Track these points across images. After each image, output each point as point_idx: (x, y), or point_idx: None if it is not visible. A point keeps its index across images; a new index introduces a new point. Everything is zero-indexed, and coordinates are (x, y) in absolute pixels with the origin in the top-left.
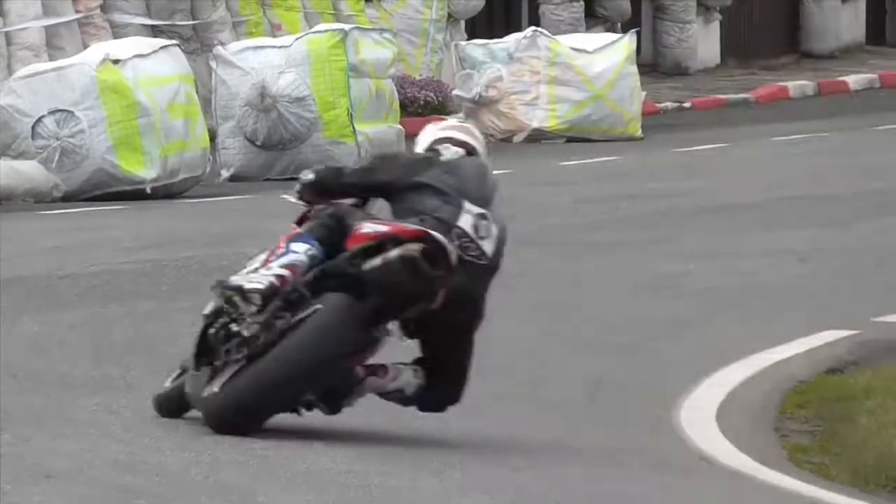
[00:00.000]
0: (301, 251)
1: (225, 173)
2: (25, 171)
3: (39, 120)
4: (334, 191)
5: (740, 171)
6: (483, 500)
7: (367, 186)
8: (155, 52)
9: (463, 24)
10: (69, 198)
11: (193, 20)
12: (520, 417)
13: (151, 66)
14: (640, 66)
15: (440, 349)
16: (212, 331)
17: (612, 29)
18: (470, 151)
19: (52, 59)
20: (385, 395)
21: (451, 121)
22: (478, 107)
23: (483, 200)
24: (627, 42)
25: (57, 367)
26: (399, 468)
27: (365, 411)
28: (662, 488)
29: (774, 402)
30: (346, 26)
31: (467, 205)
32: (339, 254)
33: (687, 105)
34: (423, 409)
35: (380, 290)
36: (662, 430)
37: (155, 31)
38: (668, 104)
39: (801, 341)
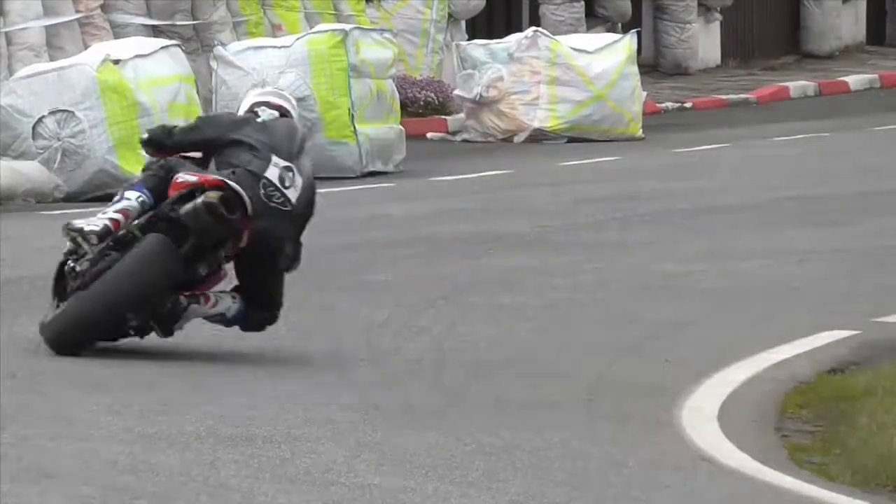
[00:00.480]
0: (133, 198)
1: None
2: (26, 172)
3: (40, 120)
4: (168, 147)
5: (741, 172)
6: (483, 499)
7: (192, 142)
8: (155, 52)
9: (463, 24)
10: (70, 198)
11: (194, 20)
12: (520, 417)
13: (152, 67)
14: (640, 66)
15: (254, 280)
16: (66, 268)
17: (612, 29)
18: (283, 114)
19: (52, 59)
20: (209, 318)
21: (269, 87)
22: (478, 107)
23: (290, 155)
24: (628, 42)
25: (57, 366)
26: (399, 468)
27: (365, 411)
28: (663, 488)
29: (775, 403)
30: (347, 26)
31: (275, 158)
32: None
33: (688, 105)
34: (244, 329)
35: (192, 231)
36: (663, 430)
37: (155, 32)
38: (669, 104)
39: (802, 341)
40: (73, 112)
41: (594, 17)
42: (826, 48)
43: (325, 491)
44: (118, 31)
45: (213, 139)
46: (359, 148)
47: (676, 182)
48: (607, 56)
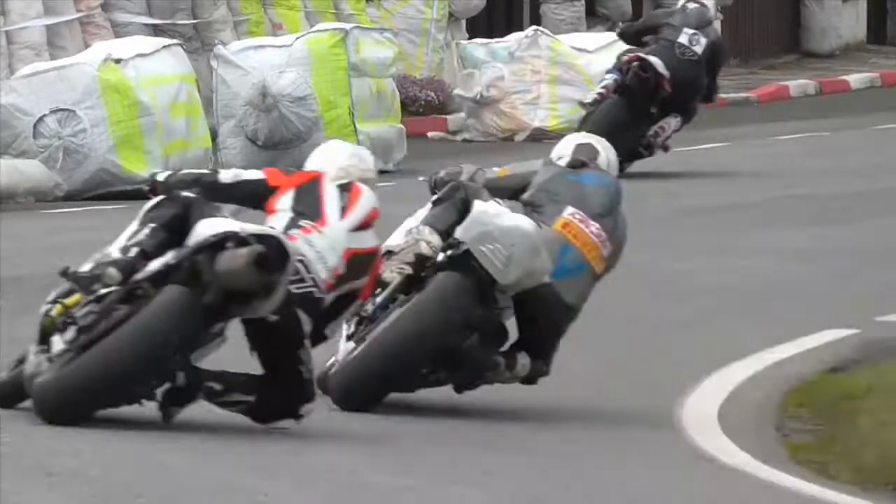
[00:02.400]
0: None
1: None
2: (27, 171)
3: (41, 119)
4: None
5: (741, 171)
6: (483, 498)
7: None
8: (156, 51)
9: (464, 23)
10: (71, 197)
11: (195, 19)
12: (520, 417)
13: (153, 66)
14: None
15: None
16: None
17: (613, 28)
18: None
19: (53, 58)
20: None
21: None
22: (479, 106)
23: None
24: None
25: None
26: (400, 467)
27: (364, 413)
28: (664, 487)
29: (776, 402)
30: (347, 25)
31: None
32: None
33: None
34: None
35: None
36: (664, 429)
37: (156, 31)
38: None
39: (803, 340)
40: (74, 111)
41: (595, 16)
42: (827, 47)
43: (326, 490)
44: (119, 31)
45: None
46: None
47: (677, 181)
48: (608, 55)
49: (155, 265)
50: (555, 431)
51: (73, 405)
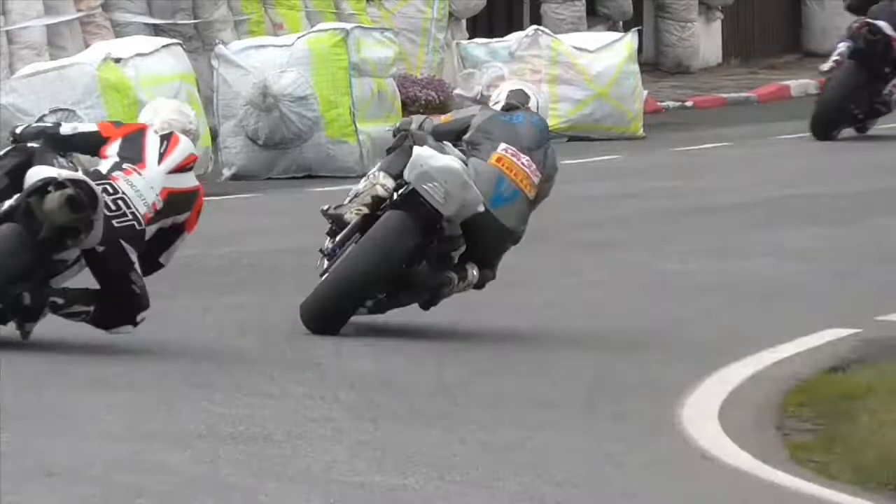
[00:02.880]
0: None
1: (226, 172)
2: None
3: (41, 119)
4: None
5: (742, 171)
6: (483, 498)
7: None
8: (156, 50)
9: (464, 22)
10: None
11: (195, 19)
12: (520, 417)
13: (153, 65)
14: (641, 64)
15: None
16: None
17: (613, 28)
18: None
19: (53, 58)
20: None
21: None
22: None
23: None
24: (629, 41)
25: (57, 365)
26: (400, 467)
27: (366, 410)
28: (664, 487)
29: (776, 401)
30: (348, 25)
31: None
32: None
33: (688, 104)
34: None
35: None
36: (664, 429)
37: (156, 30)
38: (670, 103)
39: (803, 340)
40: (73, 111)
41: (595, 15)
42: (828, 47)
43: (326, 489)
44: (119, 30)
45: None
46: (360, 147)
47: (677, 181)
48: (608, 55)
49: (3, 207)
50: (554, 431)
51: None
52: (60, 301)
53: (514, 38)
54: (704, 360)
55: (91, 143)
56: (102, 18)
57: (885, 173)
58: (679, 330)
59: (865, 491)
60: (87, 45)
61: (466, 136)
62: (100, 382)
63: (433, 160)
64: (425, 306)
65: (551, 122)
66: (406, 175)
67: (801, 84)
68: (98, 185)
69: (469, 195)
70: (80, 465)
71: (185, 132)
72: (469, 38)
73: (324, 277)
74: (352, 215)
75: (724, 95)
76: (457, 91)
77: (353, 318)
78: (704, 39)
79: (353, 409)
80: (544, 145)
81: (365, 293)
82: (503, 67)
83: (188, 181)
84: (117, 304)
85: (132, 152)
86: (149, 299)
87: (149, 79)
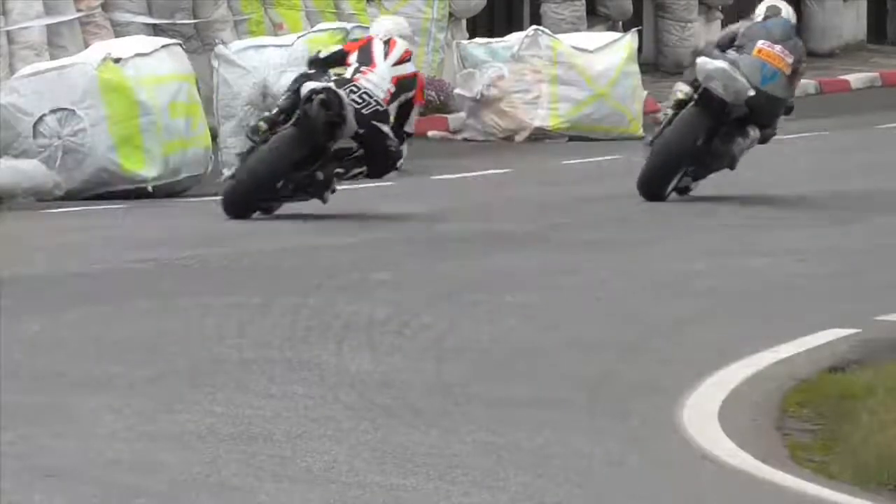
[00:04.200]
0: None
1: (226, 172)
2: (26, 170)
3: (41, 119)
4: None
5: (741, 170)
6: (484, 499)
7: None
8: (156, 50)
9: (464, 22)
10: (70, 196)
11: (195, 19)
12: (520, 416)
13: (153, 65)
14: (641, 64)
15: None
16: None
17: (613, 28)
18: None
19: (53, 58)
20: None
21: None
22: (479, 106)
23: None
24: (629, 41)
25: (57, 365)
26: (400, 467)
27: (366, 410)
28: (664, 487)
29: (776, 401)
30: (348, 25)
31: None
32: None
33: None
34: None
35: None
36: (664, 429)
37: (156, 30)
38: None
39: (803, 340)
40: (73, 111)
41: (595, 15)
42: (827, 46)
43: (326, 489)
44: (119, 30)
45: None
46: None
47: None
48: (608, 55)
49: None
50: (554, 431)
51: (243, 192)
52: (342, 171)
53: (514, 38)
54: (704, 360)
55: (340, 58)
56: (102, 18)
57: (885, 173)
58: (679, 330)
59: (865, 491)
60: (86, 45)
61: (736, 42)
62: (100, 382)
63: (709, 65)
64: (731, 167)
65: (551, 122)
66: (699, 79)
67: (801, 84)
68: (344, 88)
69: (738, 85)
70: (80, 465)
71: (402, 37)
72: (469, 38)
73: (652, 150)
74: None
75: None
76: (457, 91)
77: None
78: (704, 39)
79: (353, 409)
80: (792, 38)
81: (678, 165)
82: (503, 67)
83: (408, 69)
84: (381, 161)
85: (365, 58)
86: (402, 154)
87: (149, 79)
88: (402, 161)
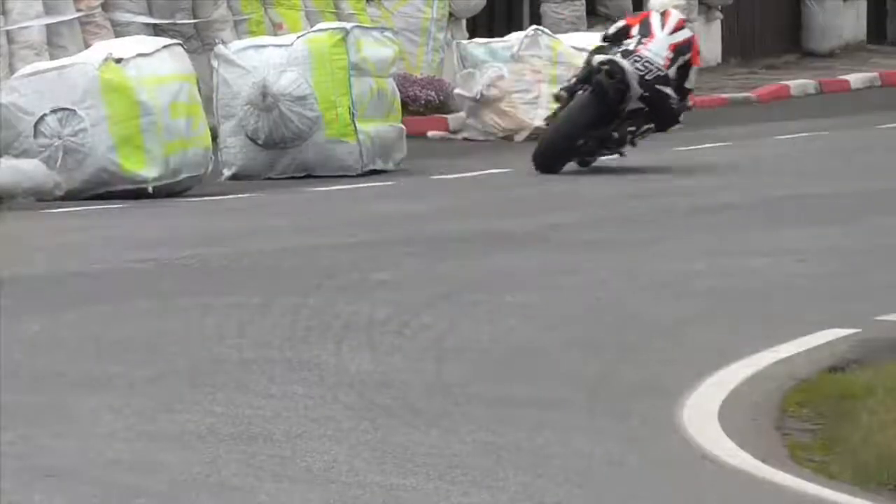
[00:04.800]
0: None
1: (227, 172)
2: (27, 170)
3: (41, 119)
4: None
5: (741, 170)
6: (484, 499)
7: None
8: (157, 50)
9: (464, 22)
10: (71, 196)
11: (195, 19)
12: (520, 416)
13: (153, 65)
14: None
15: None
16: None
17: None
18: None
19: (53, 57)
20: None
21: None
22: (479, 105)
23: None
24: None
25: (57, 365)
26: (400, 467)
27: (366, 410)
28: (664, 487)
29: (776, 401)
30: (348, 25)
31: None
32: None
33: (688, 104)
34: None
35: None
36: (664, 429)
37: (156, 30)
38: None
39: (802, 340)
40: (74, 111)
41: (595, 15)
42: (827, 47)
43: (326, 489)
44: (119, 30)
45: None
46: (359, 146)
47: (677, 180)
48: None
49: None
50: (554, 431)
51: (547, 151)
52: (634, 128)
53: (513, 38)
54: (704, 360)
55: (624, 33)
56: (102, 18)
57: (885, 173)
58: (679, 330)
59: (865, 491)
60: (86, 45)
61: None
62: (100, 382)
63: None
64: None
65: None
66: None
67: (801, 84)
68: (628, 59)
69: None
70: (80, 465)
71: (676, 7)
72: (469, 38)
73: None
74: None
75: (724, 95)
76: (457, 91)
77: None
78: (704, 39)
79: (353, 409)
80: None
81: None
82: (503, 67)
83: (684, 35)
84: (666, 118)
85: (645, 30)
86: (685, 108)
87: (149, 79)
88: (683, 115)
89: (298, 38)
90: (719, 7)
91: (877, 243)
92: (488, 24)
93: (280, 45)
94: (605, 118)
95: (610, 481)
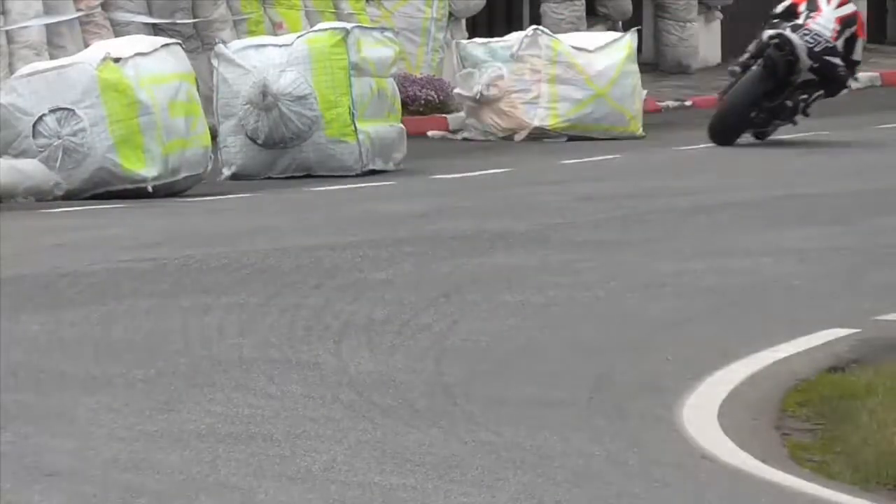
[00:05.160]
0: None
1: (226, 172)
2: (26, 170)
3: (40, 118)
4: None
5: (740, 170)
6: (484, 499)
7: None
8: (156, 50)
9: (464, 22)
10: (70, 196)
11: (194, 18)
12: (520, 416)
13: (152, 65)
14: (641, 64)
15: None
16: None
17: (613, 27)
18: None
19: (53, 57)
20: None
21: None
22: (479, 105)
23: None
24: (628, 40)
25: (57, 365)
26: (399, 467)
27: (366, 409)
28: (663, 486)
29: (775, 401)
30: (348, 25)
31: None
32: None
33: (688, 104)
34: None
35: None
36: (663, 429)
37: (156, 30)
38: (670, 103)
39: (802, 340)
40: (73, 110)
41: (595, 15)
42: None
43: (326, 489)
44: (119, 30)
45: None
46: (359, 146)
47: (677, 180)
48: (608, 54)
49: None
50: (554, 430)
51: (723, 120)
52: (806, 97)
53: (513, 38)
54: (703, 359)
55: (792, 10)
56: (102, 18)
57: (885, 173)
58: (679, 330)
59: (865, 491)
60: (86, 45)
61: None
62: (100, 382)
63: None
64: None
65: (550, 122)
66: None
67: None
68: (797, 32)
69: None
70: (81, 464)
71: None
72: (469, 38)
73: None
74: None
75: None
76: (456, 90)
77: None
78: (704, 39)
79: (353, 408)
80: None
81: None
82: (502, 67)
83: (849, 9)
84: (835, 86)
85: (812, 6)
86: (850, 76)
87: (148, 78)
88: (850, 82)
89: (298, 37)
90: (719, 7)
91: (876, 243)
92: (488, 23)
93: (280, 45)
94: (776, 90)
95: (610, 480)
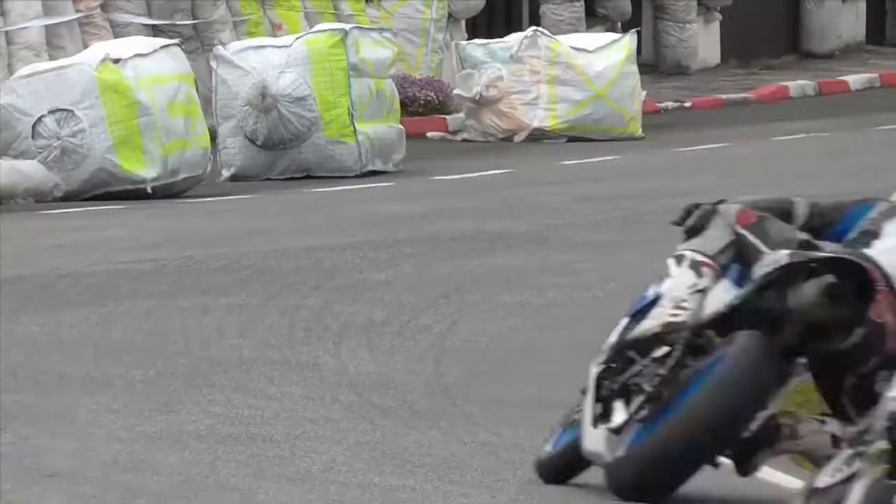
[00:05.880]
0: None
1: (225, 173)
2: (26, 171)
3: (40, 119)
4: None
5: (740, 171)
6: (483, 499)
7: None
8: (155, 51)
9: (463, 23)
10: (70, 197)
11: (194, 19)
12: (520, 417)
13: (152, 66)
14: (640, 65)
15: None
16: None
17: (612, 28)
18: None
19: (52, 58)
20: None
21: None
22: (478, 106)
23: None
24: (628, 41)
25: (57, 366)
26: (399, 468)
27: (365, 410)
28: None
29: None
30: (347, 26)
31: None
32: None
33: (687, 104)
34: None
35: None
36: None
37: (155, 31)
38: (669, 104)
39: None
40: (72, 111)
41: (594, 16)
42: (826, 47)
43: (325, 490)
44: (118, 31)
45: None
46: (358, 147)
47: (676, 181)
48: (607, 55)
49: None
50: None
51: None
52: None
53: (513, 39)
54: None
55: None
56: (101, 19)
57: (885, 173)
58: None
59: None
60: (85, 46)
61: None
62: (100, 382)
63: None
64: None
65: (549, 123)
66: None
67: (800, 85)
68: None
69: None
70: (80, 465)
71: None
72: (468, 39)
73: None
74: None
75: (723, 96)
76: (456, 91)
77: None
78: (703, 40)
79: (353, 409)
80: None
81: None
82: (502, 68)
83: None
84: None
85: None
86: None
87: (148, 79)
88: None
89: (297, 39)
90: (718, 8)
91: None
92: (487, 24)
93: (279, 46)
94: None
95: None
